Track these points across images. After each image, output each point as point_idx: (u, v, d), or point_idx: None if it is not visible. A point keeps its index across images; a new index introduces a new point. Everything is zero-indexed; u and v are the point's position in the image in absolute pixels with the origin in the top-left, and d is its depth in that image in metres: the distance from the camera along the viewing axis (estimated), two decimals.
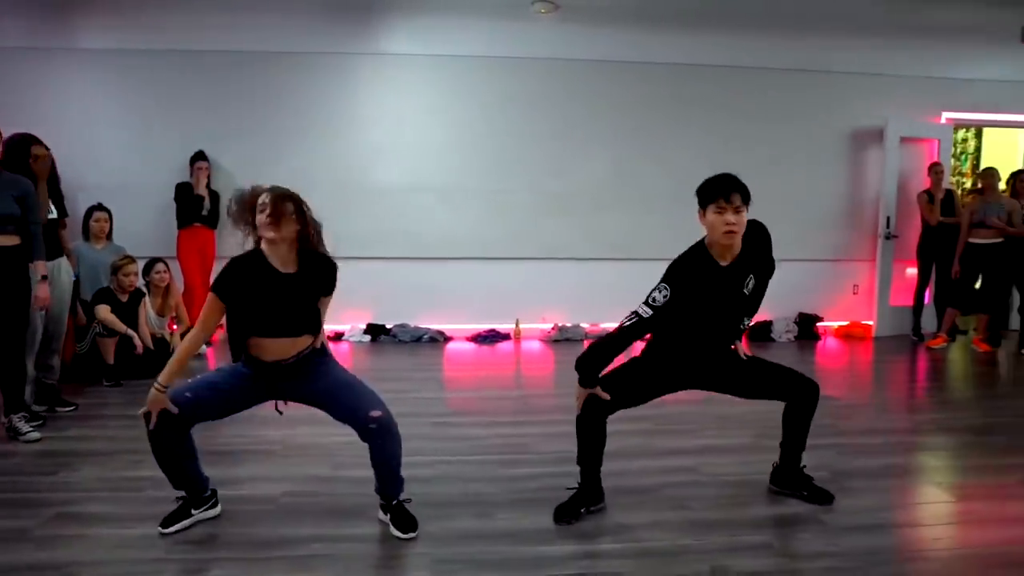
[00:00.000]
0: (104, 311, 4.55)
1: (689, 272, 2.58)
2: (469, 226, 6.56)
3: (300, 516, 2.66)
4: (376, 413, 2.48)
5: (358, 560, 2.37)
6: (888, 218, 6.66)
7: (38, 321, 3.68)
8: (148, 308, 5.14)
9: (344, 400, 2.56)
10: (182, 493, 2.58)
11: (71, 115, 5.92)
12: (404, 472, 2.62)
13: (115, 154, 6.03)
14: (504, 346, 6.46)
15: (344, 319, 6.48)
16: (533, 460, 3.32)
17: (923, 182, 6.62)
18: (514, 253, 6.58)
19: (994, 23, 6.54)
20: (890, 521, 2.69)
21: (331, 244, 2.61)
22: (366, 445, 2.53)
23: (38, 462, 3.23)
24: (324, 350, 2.64)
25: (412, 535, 2.49)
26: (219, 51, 6.10)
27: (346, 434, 2.63)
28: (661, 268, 2.66)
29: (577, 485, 2.75)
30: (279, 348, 2.49)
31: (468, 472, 3.14)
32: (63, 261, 4.03)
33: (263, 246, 2.47)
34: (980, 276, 6.10)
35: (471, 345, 6.47)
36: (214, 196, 6.02)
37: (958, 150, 9.11)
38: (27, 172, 3.62)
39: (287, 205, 2.40)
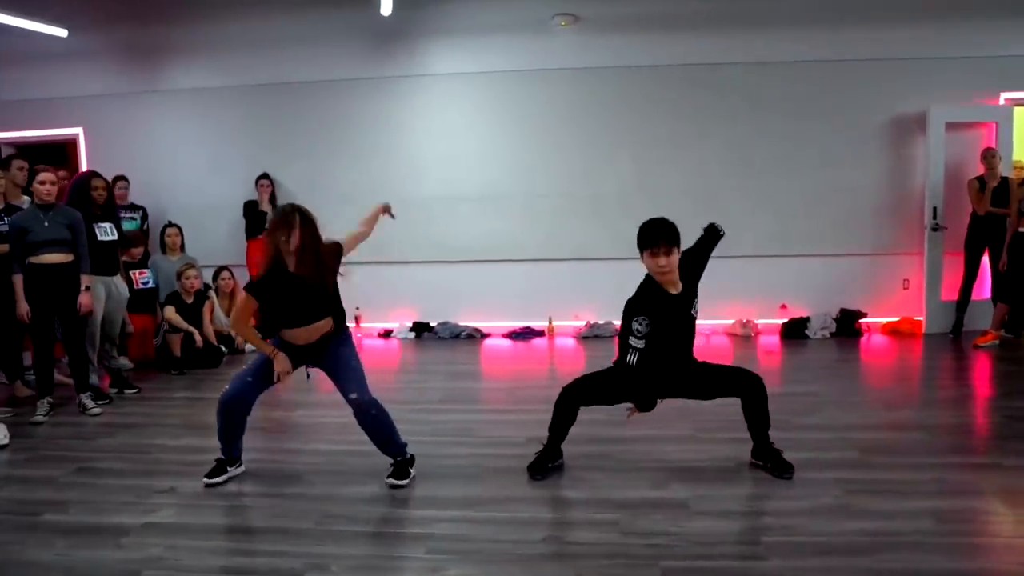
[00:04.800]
0: (170, 312, 5.49)
1: (648, 302, 3.03)
2: (505, 230, 7.02)
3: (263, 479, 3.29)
4: (353, 396, 3.06)
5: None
6: (935, 208, 6.35)
7: (97, 323, 4.60)
8: (217, 309, 6.08)
9: (340, 378, 3.15)
10: (220, 455, 3.23)
11: (157, 149, 7.04)
12: None
13: (192, 178, 7.08)
14: (538, 342, 6.86)
15: (392, 318, 7.19)
16: (473, 442, 3.76)
17: (978, 169, 6.26)
18: (547, 254, 6.97)
19: None
20: (741, 509, 2.88)
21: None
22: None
23: (91, 430, 4.11)
24: (341, 331, 3.22)
25: (400, 483, 3.11)
26: (278, 83, 7.00)
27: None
28: None
29: (543, 447, 3.31)
30: (304, 334, 3.12)
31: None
32: (118, 277, 4.90)
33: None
34: None
35: (507, 342, 6.93)
36: None
37: None
38: (89, 201, 4.55)
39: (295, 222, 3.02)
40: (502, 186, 6.98)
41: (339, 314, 3.22)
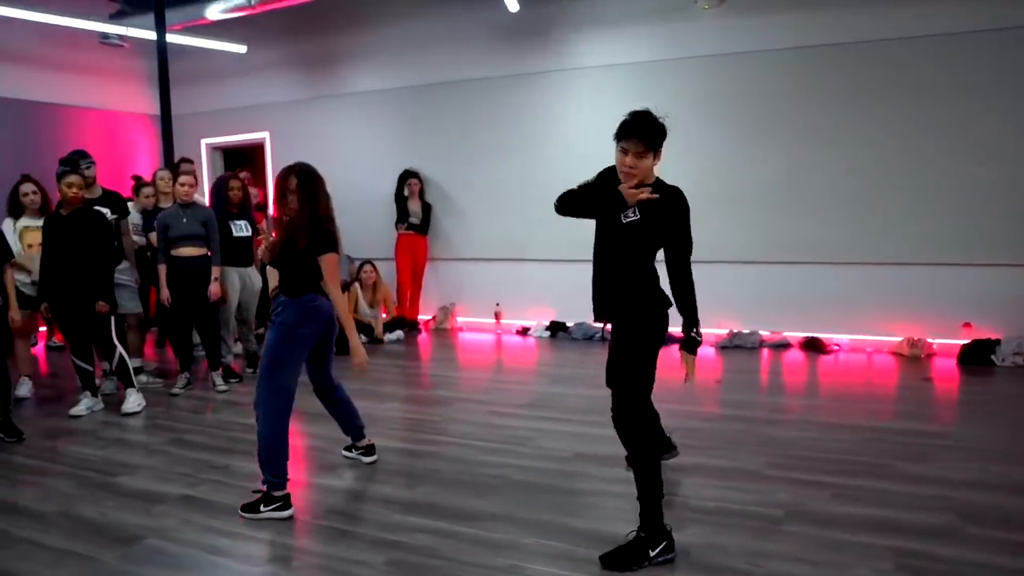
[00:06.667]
0: None
1: (606, 180, 2.70)
2: None
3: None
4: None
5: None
6: None
7: (231, 310, 5.17)
8: (360, 300, 6.55)
9: None
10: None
11: (327, 149, 7.68)
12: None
13: (353, 175, 7.56)
14: (676, 350, 6.44)
15: (531, 315, 7.20)
16: (518, 452, 3.65)
17: None
18: None
19: None
20: (743, 568, 2.47)
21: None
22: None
23: (204, 405, 4.66)
24: (289, 302, 3.10)
25: (243, 514, 2.94)
26: (430, 84, 7.35)
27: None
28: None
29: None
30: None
31: (451, 452, 3.65)
32: (252, 268, 5.43)
33: None
34: None
35: None
36: (426, 207, 7.25)
37: None
38: (226, 200, 5.13)
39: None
40: None
41: (296, 280, 3.13)
